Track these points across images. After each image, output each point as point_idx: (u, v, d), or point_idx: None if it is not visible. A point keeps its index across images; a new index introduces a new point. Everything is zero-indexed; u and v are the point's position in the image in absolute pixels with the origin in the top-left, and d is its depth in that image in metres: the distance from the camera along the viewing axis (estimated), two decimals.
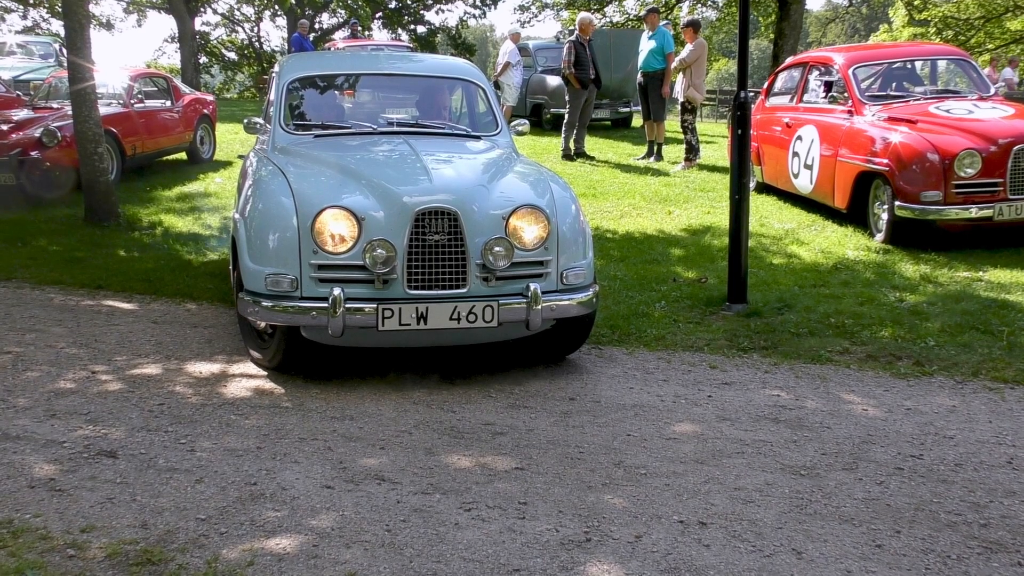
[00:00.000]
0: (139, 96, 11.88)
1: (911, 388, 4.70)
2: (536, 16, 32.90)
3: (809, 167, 8.95)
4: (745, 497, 3.49)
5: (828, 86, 9.20)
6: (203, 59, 34.81)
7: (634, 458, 3.84)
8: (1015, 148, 7.35)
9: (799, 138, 9.20)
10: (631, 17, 29.43)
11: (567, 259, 4.69)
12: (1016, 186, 7.33)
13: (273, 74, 6.38)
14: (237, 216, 5.06)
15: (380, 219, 4.45)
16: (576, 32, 13.18)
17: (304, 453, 3.90)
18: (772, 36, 19.60)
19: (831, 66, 9.29)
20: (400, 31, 35.56)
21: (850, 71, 8.89)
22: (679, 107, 13.04)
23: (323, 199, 4.52)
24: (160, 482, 3.60)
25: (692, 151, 12.63)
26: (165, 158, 12.82)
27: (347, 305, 4.33)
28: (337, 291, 4.32)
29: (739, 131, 6.09)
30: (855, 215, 8.30)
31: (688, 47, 12.55)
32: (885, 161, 7.65)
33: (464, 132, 5.95)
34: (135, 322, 5.94)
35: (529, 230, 4.59)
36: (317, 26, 33.50)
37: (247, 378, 4.86)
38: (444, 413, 4.35)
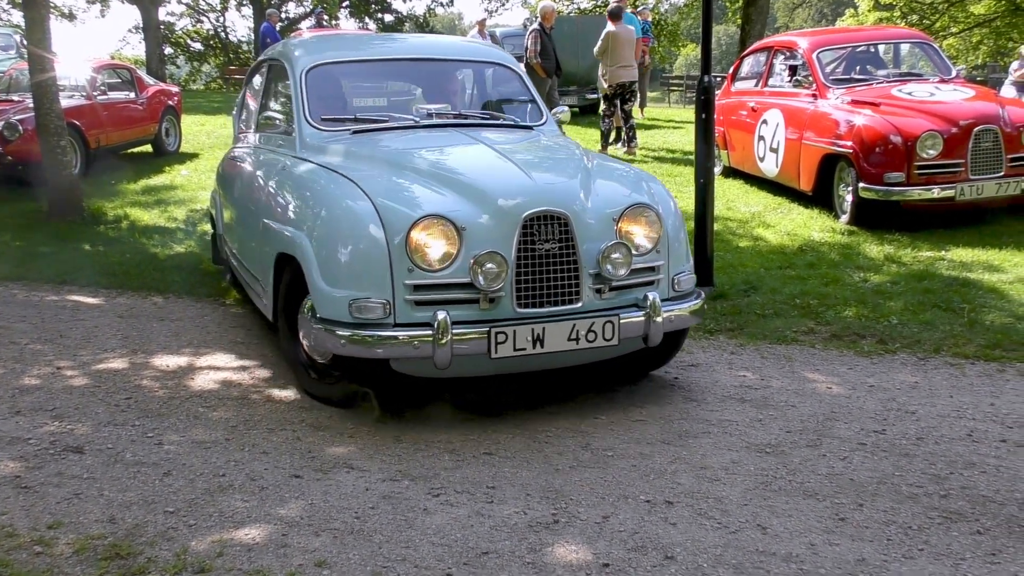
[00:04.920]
0: (102, 88, 11.75)
1: (874, 366, 4.77)
2: (504, 4, 32.85)
3: (775, 150, 9.02)
4: (711, 476, 3.53)
5: (793, 70, 9.28)
6: (168, 50, 34.43)
7: (601, 440, 3.87)
8: (976, 129, 7.45)
9: (764, 122, 9.27)
10: (599, 4, 29.44)
11: (676, 262, 4.23)
12: (977, 167, 7.44)
13: (270, 62, 5.75)
14: (289, 230, 4.32)
15: (483, 228, 3.84)
16: (539, 20, 13.12)
17: (272, 443, 3.89)
18: (740, 21, 19.71)
19: (796, 50, 9.35)
20: (367, 20, 35.37)
21: (814, 55, 8.96)
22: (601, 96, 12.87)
23: (414, 207, 3.89)
24: (128, 476, 3.58)
25: (615, 138, 12.52)
26: (130, 151, 12.68)
27: (455, 331, 3.76)
28: (442, 315, 3.71)
29: (703, 115, 6.12)
30: (820, 197, 8.38)
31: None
32: (849, 144, 7.73)
33: (513, 123, 5.28)
34: (100, 317, 5.90)
35: (642, 232, 4.10)
36: (283, 15, 33.22)
37: (214, 370, 4.84)
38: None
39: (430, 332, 3.71)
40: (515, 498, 3.36)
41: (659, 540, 3.04)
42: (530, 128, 5.21)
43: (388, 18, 35.41)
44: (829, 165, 8.16)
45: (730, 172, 10.43)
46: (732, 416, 4.14)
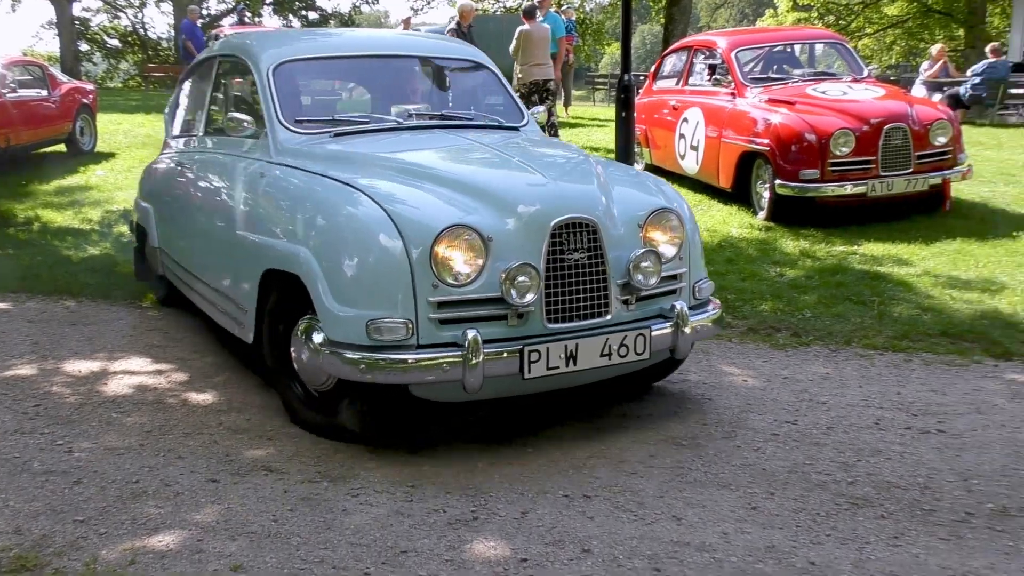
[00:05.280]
0: (12, 85, 11.36)
1: (789, 358, 4.90)
2: (429, 2, 32.79)
3: (695, 148, 9.17)
4: (629, 469, 3.58)
5: (712, 69, 9.45)
6: (84, 46, 33.47)
7: (520, 437, 3.89)
8: (886, 127, 7.69)
9: (685, 120, 9.41)
10: (523, 2, 29.56)
11: (695, 269, 4.07)
12: (887, 163, 7.67)
13: (220, 58, 5.35)
14: (283, 245, 3.92)
15: (509, 238, 3.55)
16: (456, 19, 13.07)
17: (189, 448, 3.82)
18: (663, 21, 19.99)
19: (715, 50, 9.52)
20: (291, 17, 34.93)
21: (732, 54, 9.13)
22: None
23: (436, 216, 3.54)
24: (35, 486, 3.48)
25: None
26: (43, 150, 12.29)
27: (486, 350, 3.46)
28: (472, 333, 3.41)
29: (623, 113, 6.20)
30: (739, 194, 8.55)
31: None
32: (766, 141, 7.91)
33: (497, 123, 4.95)
34: (9, 322, 5.71)
35: (667, 238, 3.91)
36: (204, 12, 32.58)
37: (129, 375, 4.73)
38: None
39: (459, 353, 3.42)
40: (435, 496, 3.36)
41: (576, 533, 3.08)
42: (515, 129, 4.92)
43: (312, 15, 35.00)
44: (747, 162, 8.33)
45: (652, 170, 10.55)
46: (650, 409, 4.20)
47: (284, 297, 3.98)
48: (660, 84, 10.87)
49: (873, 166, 7.66)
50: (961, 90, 16.88)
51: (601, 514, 3.21)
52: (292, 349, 3.96)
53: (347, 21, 35.27)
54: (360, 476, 3.54)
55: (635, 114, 9.04)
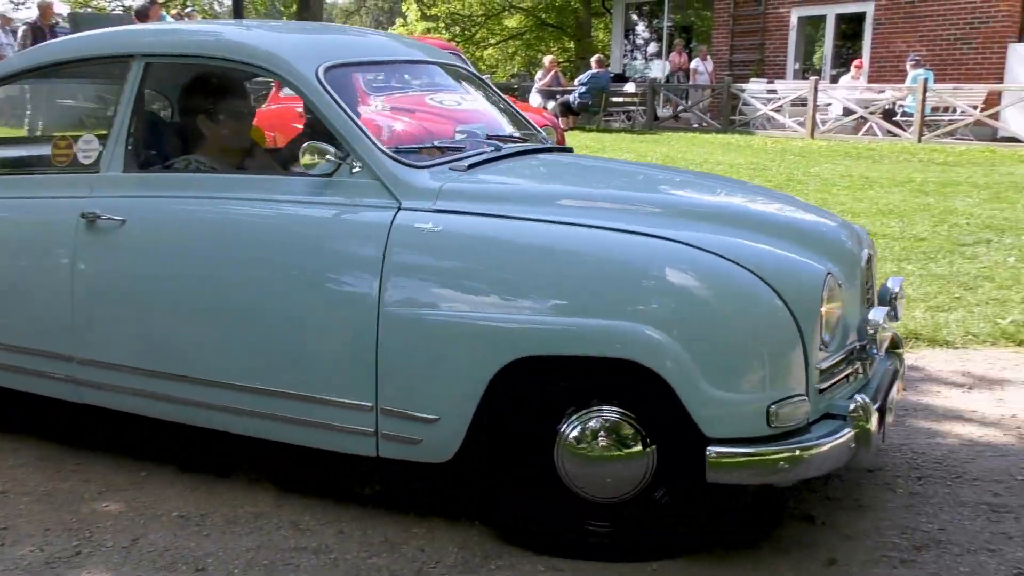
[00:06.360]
0: None
1: None
2: None
3: None
4: (246, 484, 3.53)
5: None
6: None
7: (136, 462, 3.72)
8: None
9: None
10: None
11: None
12: None
13: (144, 59, 3.62)
14: (609, 325, 2.79)
15: (843, 282, 3.08)
16: (36, 17, 12.09)
17: None
18: None
19: None
20: None
21: None
22: None
23: (806, 267, 2.92)
24: None
25: None
26: None
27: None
28: (862, 398, 2.86)
29: None
30: None
31: None
32: None
33: (545, 144, 4.20)
34: None
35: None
36: None
37: None
38: None
39: (853, 426, 2.82)
40: (31, 535, 3.13)
41: (191, 554, 3.02)
42: (569, 150, 4.33)
43: None
44: None
45: None
46: None
47: (529, 393, 2.99)
48: (287, 91, 10.82)
49: None
50: (571, 98, 18.62)
51: (217, 530, 3.18)
52: (558, 458, 2.97)
53: None
54: None
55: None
